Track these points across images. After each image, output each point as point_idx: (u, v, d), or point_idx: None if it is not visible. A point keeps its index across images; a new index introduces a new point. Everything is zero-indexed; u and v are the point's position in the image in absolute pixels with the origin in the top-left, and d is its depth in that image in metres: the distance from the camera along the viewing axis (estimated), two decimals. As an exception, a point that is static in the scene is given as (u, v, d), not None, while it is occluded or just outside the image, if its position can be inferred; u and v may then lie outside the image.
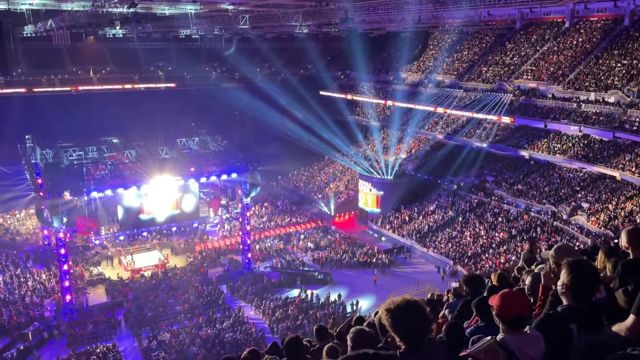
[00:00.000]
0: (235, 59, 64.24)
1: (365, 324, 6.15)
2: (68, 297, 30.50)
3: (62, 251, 30.56)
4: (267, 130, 55.28)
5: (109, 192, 31.81)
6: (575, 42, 45.74)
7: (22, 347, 27.01)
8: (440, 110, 49.28)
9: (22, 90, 53.64)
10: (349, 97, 60.85)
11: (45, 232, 40.22)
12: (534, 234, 36.36)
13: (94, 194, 31.50)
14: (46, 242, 40.49)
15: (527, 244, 8.65)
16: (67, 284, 30.59)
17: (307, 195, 54.19)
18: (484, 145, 45.39)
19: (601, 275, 4.31)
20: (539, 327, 2.81)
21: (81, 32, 55.25)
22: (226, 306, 32.28)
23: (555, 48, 46.72)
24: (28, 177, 39.92)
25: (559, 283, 3.29)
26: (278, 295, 33.70)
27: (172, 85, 64.11)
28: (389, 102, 56.18)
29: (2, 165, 43.59)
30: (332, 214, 48.55)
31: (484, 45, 54.74)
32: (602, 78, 40.44)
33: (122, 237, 39.51)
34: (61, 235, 30.58)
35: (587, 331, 2.96)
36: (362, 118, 60.06)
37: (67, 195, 30.38)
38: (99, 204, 36.48)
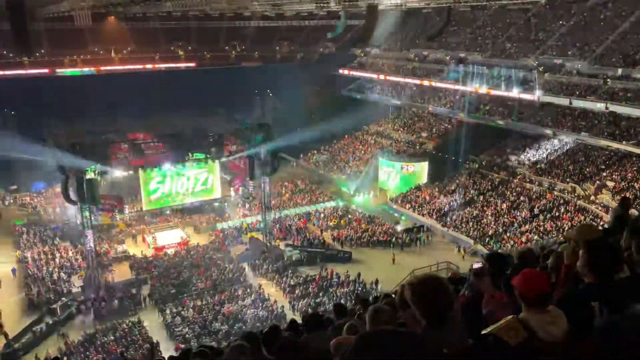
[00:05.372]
0: (255, 37, 63.96)
1: (383, 302, 6.18)
2: (94, 274, 31.24)
3: (88, 229, 31.23)
4: (286, 108, 55.25)
5: (131, 171, 32.29)
6: (602, 16, 44.36)
7: (51, 322, 27.89)
8: (461, 87, 48.52)
9: (45, 70, 54.38)
10: (369, 74, 60.19)
11: (71, 210, 41.00)
12: (557, 213, 35.93)
13: (117, 173, 32.00)
14: (72, 220, 41.34)
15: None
16: (93, 260, 31.31)
17: (326, 174, 54.20)
18: (507, 122, 44.66)
19: (626, 254, 4.25)
20: (560, 304, 2.80)
21: (102, 11, 55.47)
22: (248, 283, 32.75)
23: (582, 23, 45.40)
24: (52, 157, 40.66)
25: (579, 263, 3.27)
26: (298, 273, 34.04)
27: (192, 64, 64.37)
28: (410, 80, 55.45)
29: (26, 145, 44.34)
30: (352, 192, 48.52)
31: (507, 20, 53.44)
32: (631, 53, 39.25)
33: (145, 216, 40.18)
34: (86, 213, 31.22)
35: (610, 310, 2.94)
36: (382, 96, 59.42)
37: (91, 175, 30.93)
38: (122, 182, 37.13)
